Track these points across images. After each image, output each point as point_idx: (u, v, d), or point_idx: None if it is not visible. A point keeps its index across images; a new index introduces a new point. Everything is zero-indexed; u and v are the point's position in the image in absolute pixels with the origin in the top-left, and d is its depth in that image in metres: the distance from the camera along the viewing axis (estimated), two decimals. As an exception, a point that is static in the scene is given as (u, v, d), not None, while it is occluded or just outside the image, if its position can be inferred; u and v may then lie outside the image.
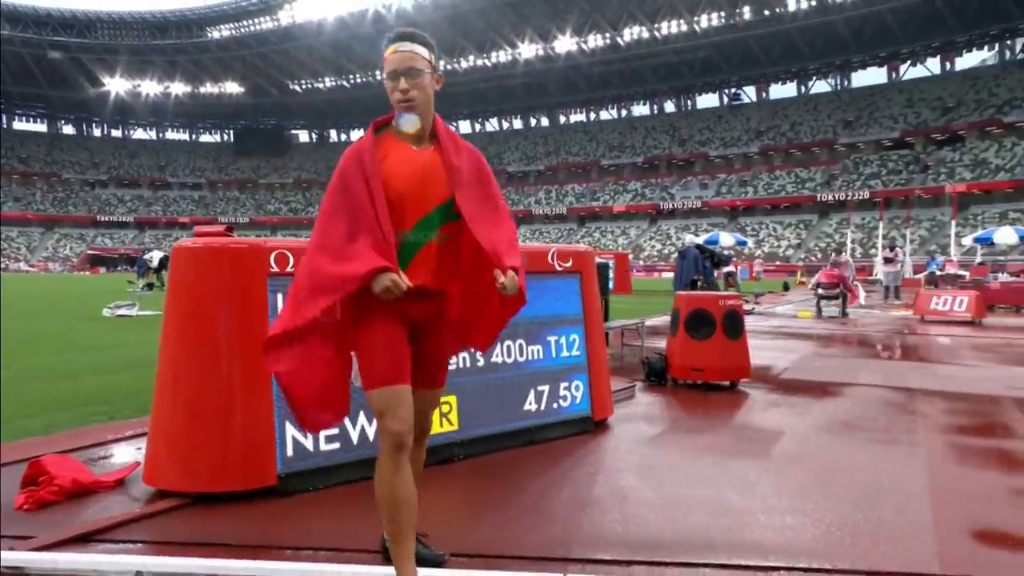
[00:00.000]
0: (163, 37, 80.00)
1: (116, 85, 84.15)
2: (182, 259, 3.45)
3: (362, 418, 3.59)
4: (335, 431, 3.52)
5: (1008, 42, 60.92)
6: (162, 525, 3.02)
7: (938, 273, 23.01)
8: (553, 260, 4.51)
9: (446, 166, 2.23)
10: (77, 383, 6.49)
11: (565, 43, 70.93)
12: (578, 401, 4.47)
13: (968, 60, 64.40)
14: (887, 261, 20.39)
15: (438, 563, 2.46)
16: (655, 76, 74.61)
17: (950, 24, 58.19)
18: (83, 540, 2.85)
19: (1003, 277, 19.01)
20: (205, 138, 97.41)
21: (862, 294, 19.30)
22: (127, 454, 4.06)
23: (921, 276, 24.39)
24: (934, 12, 56.87)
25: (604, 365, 4.75)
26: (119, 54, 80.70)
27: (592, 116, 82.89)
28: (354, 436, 3.56)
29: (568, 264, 4.57)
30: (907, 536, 2.92)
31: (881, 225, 30.72)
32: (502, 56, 75.03)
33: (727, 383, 6.05)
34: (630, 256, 42.48)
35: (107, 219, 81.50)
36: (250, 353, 3.31)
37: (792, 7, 61.28)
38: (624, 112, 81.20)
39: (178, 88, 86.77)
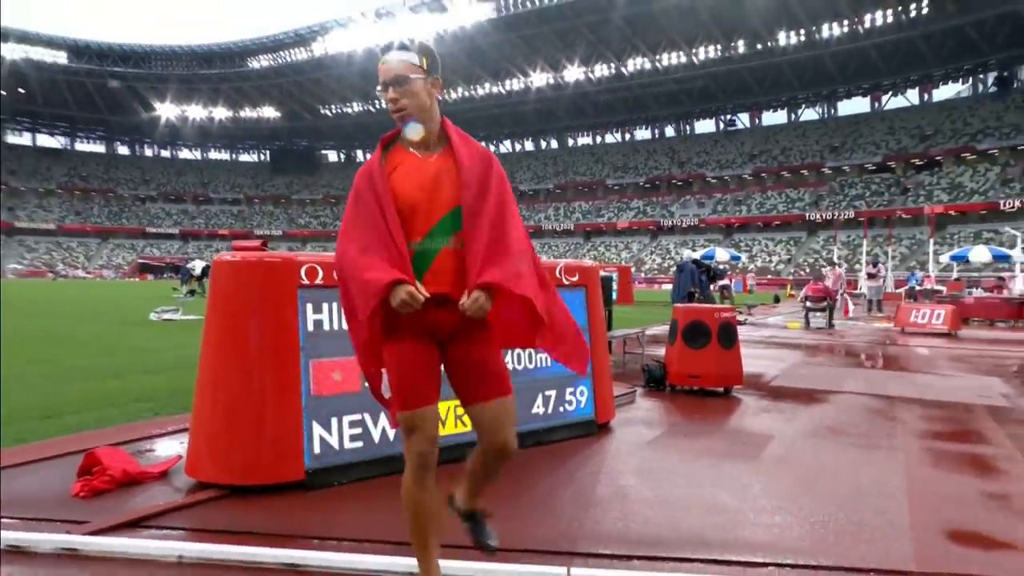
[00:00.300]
0: (209, 67, 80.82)
1: (166, 110, 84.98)
2: (222, 271, 3.48)
3: (383, 419, 3.57)
4: (358, 431, 3.51)
5: (980, 76, 60.52)
6: (201, 514, 3.03)
7: (917, 288, 22.80)
8: (561, 275, 4.49)
9: (457, 169, 2.02)
10: (125, 382, 6.51)
11: (573, 72, 70.94)
12: (583, 406, 4.44)
13: (944, 92, 64.05)
14: (870, 276, 20.22)
15: (484, 548, 2.19)
16: (656, 103, 74.46)
17: (928, 59, 57.92)
18: (132, 526, 2.88)
19: (977, 292, 18.80)
20: (244, 157, 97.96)
21: (851, 306, 19.15)
22: (171, 448, 4.08)
23: (902, 290, 24.18)
24: (913, 48, 56.65)
25: (607, 372, 4.73)
26: (170, 82, 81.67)
27: (598, 139, 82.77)
28: (375, 435, 3.55)
29: (575, 278, 4.56)
30: (886, 535, 2.89)
31: (865, 242, 30.46)
32: (515, 84, 75.15)
33: (721, 389, 5.99)
34: (632, 269, 42.35)
35: (155, 231, 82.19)
36: (282, 357, 3.37)
37: (783, 42, 61.09)
38: (627, 136, 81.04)
39: (220, 112, 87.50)
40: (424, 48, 2.09)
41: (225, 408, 3.33)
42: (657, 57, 66.97)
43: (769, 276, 52.71)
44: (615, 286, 13.01)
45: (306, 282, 3.44)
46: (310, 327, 3.42)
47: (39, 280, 57.33)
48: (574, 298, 4.50)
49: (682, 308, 6.33)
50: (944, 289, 21.11)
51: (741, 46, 63.06)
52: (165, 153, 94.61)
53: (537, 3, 62.78)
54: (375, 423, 3.55)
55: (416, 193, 1.98)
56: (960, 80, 62.28)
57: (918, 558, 2.64)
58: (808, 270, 50.65)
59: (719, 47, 63.74)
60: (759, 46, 62.34)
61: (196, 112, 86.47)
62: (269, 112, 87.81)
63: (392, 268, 1.88)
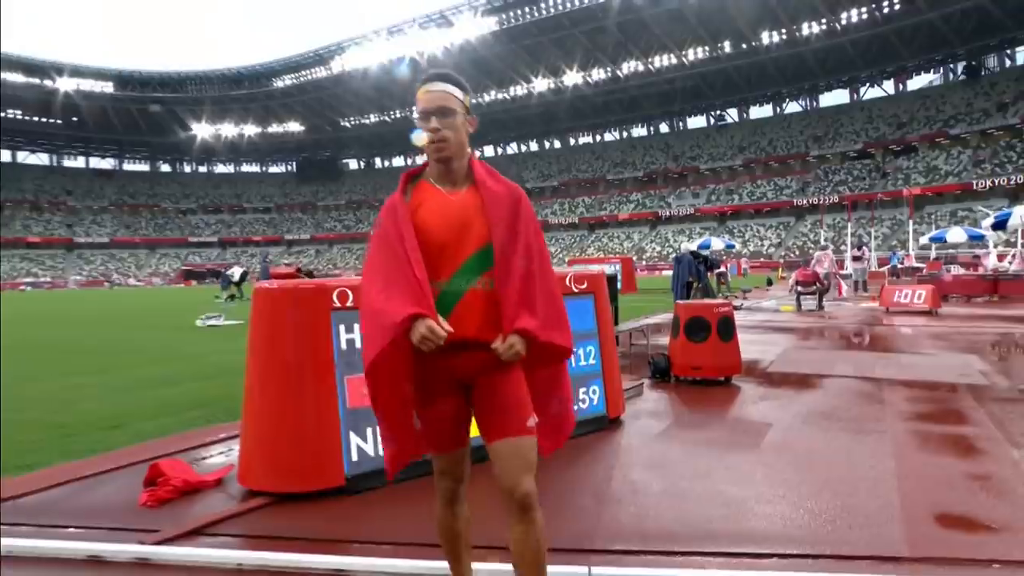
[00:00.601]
0: (238, 88, 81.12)
1: (202, 129, 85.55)
2: (261, 298, 3.48)
3: None
4: None
5: (951, 65, 59.81)
6: (254, 521, 3.04)
7: (899, 266, 22.60)
8: (571, 283, 4.46)
9: (485, 207, 1.79)
10: (179, 389, 6.48)
11: (572, 77, 70.46)
12: (595, 403, 4.43)
13: (918, 81, 63.23)
14: (855, 259, 20.04)
15: None
16: (650, 102, 73.78)
17: (901, 51, 57.06)
18: (194, 534, 2.89)
19: (955, 270, 18.57)
20: (273, 169, 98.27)
21: (844, 287, 18.93)
22: (223, 456, 4.07)
23: (885, 269, 23.95)
24: (887, 42, 55.84)
25: (616, 371, 4.70)
26: (204, 104, 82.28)
27: (597, 138, 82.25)
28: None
29: (584, 286, 4.53)
30: (878, 521, 2.84)
31: (849, 225, 30.16)
32: (519, 90, 74.75)
33: (722, 378, 5.95)
34: (634, 259, 42.14)
35: (196, 240, 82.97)
36: (319, 374, 3.38)
37: (766, 41, 60.34)
38: (625, 134, 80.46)
39: (250, 129, 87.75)
40: (464, 84, 1.89)
41: (270, 422, 3.36)
42: (649, 60, 66.39)
43: (761, 259, 52.39)
44: (619, 279, 13.01)
45: (338, 305, 3.44)
46: (343, 345, 3.43)
47: (97, 289, 58.16)
48: (583, 305, 4.49)
49: (684, 305, 6.29)
50: (924, 266, 20.90)
51: (727, 46, 62.43)
52: (202, 169, 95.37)
53: (536, 15, 62.32)
54: None
55: (442, 231, 1.76)
56: (932, 70, 61.49)
57: (909, 543, 2.60)
58: (797, 252, 50.30)
59: (707, 48, 63.11)
60: (744, 46, 61.70)
61: (228, 130, 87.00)
62: (294, 126, 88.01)
63: (411, 303, 1.67)
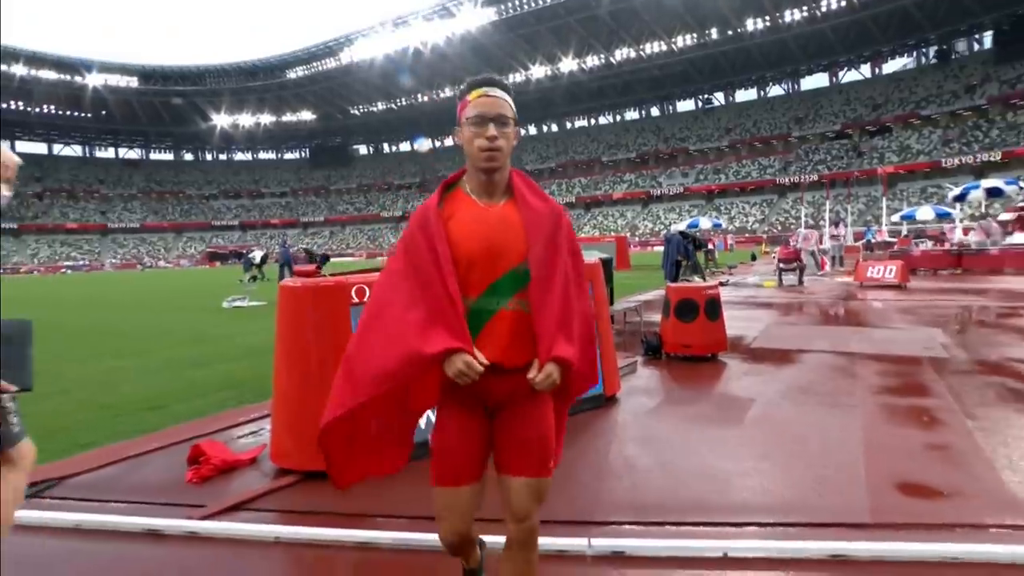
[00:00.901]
0: (253, 80, 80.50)
1: (221, 120, 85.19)
2: (286, 295, 3.51)
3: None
4: None
5: (923, 50, 59.16)
6: (286, 497, 3.09)
7: (873, 240, 22.55)
8: None
9: (523, 223, 1.57)
10: (209, 371, 6.43)
11: (568, 64, 69.56)
12: (594, 384, 4.47)
13: (892, 65, 62.67)
14: (833, 237, 20.00)
15: None
16: (642, 87, 72.90)
17: (877, 36, 56.39)
18: (235, 509, 2.94)
19: (924, 246, 18.58)
20: (288, 156, 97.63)
21: (827, 262, 18.88)
22: (255, 436, 4.09)
23: (860, 243, 23.88)
24: (864, 27, 55.19)
25: (612, 352, 4.74)
26: (222, 96, 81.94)
27: (592, 121, 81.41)
28: (421, 421, 3.52)
29: None
30: (846, 490, 2.88)
31: (828, 202, 29.94)
32: (517, 77, 73.74)
33: (709, 355, 6.00)
34: (628, 236, 42.04)
35: (219, 223, 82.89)
36: (337, 361, 3.45)
37: (750, 28, 59.50)
38: (618, 117, 79.61)
39: (266, 118, 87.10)
40: (512, 93, 1.67)
41: (298, 407, 3.40)
42: (641, 47, 65.44)
43: (746, 234, 52.22)
44: (614, 258, 13.04)
45: (356, 300, 3.47)
46: None
47: (130, 271, 58.30)
48: None
49: (675, 287, 6.33)
50: (896, 241, 20.86)
51: (714, 33, 61.56)
52: (222, 156, 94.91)
53: (533, 5, 61.32)
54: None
55: (474, 245, 1.54)
56: (906, 54, 60.93)
57: (872, 510, 2.65)
58: (780, 228, 50.14)
59: (695, 35, 62.27)
60: (730, 32, 60.78)
61: (245, 119, 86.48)
62: (307, 115, 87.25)
63: (446, 332, 1.46)
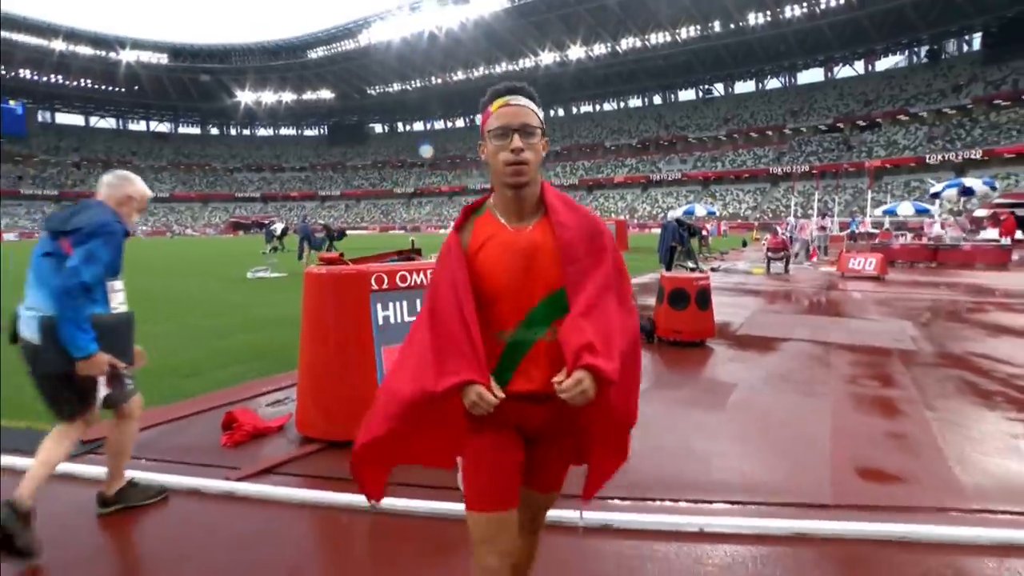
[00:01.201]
0: (276, 59, 79.51)
1: (245, 96, 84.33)
2: (312, 281, 3.56)
3: None
4: None
5: (915, 49, 57.77)
6: (312, 463, 3.18)
7: (857, 231, 22.48)
8: None
9: (558, 245, 1.37)
10: (236, 340, 6.36)
11: (576, 51, 68.25)
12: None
13: (885, 63, 61.07)
14: (820, 228, 19.95)
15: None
16: (646, 75, 71.66)
17: (871, 34, 55.13)
18: (266, 472, 3.05)
19: (903, 240, 18.52)
20: (308, 132, 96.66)
21: (818, 251, 18.78)
22: (281, 405, 4.15)
23: (845, 233, 23.81)
24: (860, 25, 53.89)
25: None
26: (247, 74, 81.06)
27: (597, 107, 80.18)
28: None
29: None
30: (812, 473, 2.95)
31: (817, 192, 29.73)
32: (527, 63, 72.64)
33: (698, 341, 6.06)
34: (627, 219, 41.82)
35: (242, 195, 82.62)
36: (361, 344, 3.47)
37: (751, 22, 58.17)
38: (622, 104, 78.36)
39: (287, 96, 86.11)
40: (538, 100, 1.47)
41: (321, 379, 3.49)
42: (646, 37, 64.17)
43: (739, 220, 51.89)
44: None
45: (375, 287, 3.53)
46: (380, 321, 3.54)
47: (160, 238, 58.34)
48: None
49: (668, 277, 6.38)
50: (878, 233, 20.80)
51: (717, 26, 60.21)
52: (246, 132, 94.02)
53: (544, -7, 60.12)
54: None
55: (507, 275, 1.38)
56: (898, 52, 59.46)
57: (834, 493, 2.74)
58: (771, 215, 49.81)
59: (698, 27, 60.99)
60: (732, 26, 59.46)
61: (268, 97, 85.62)
62: (325, 94, 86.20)
63: (459, 364, 1.32)
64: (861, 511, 2.60)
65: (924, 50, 56.86)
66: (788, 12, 55.74)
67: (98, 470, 3.04)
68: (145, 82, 78.81)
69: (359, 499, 2.62)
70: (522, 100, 1.42)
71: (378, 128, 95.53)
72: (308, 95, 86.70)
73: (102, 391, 2.48)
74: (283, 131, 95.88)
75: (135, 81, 78.50)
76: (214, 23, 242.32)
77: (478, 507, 1.41)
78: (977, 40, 52.77)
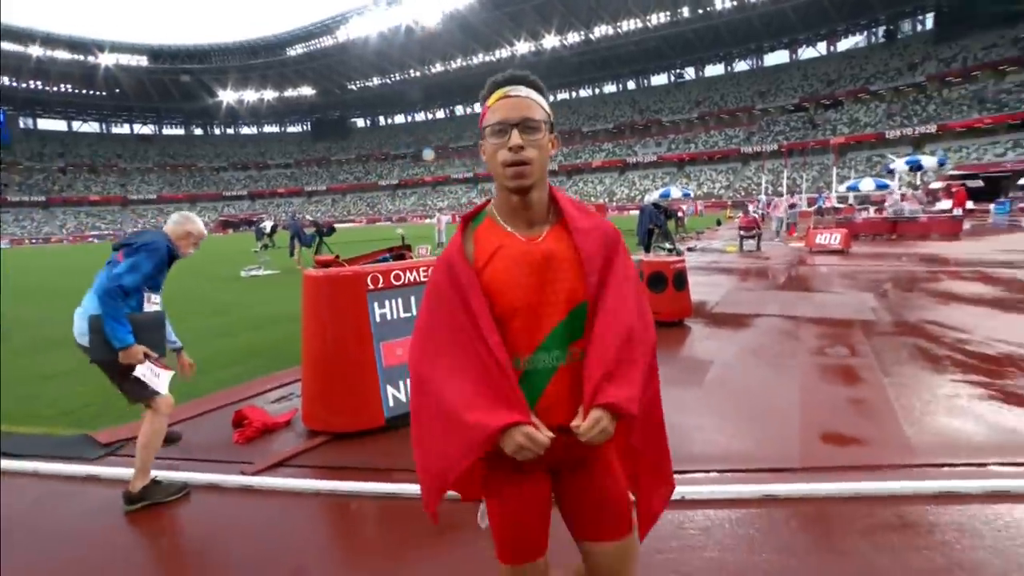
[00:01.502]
0: (255, 58, 77.85)
1: (227, 96, 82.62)
2: (311, 283, 3.61)
3: None
4: None
5: (873, 29, 58.45)
6: (320, 455, 3.25)
7: (823, 206, 22.85)
8: None
9: (577, 256, 1.18)
10: (237, 340, 6.32)
11: (551, 40, 67.72)
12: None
13: (846, 44, 61.50)
14: (791, 205, 20.23)
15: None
16: (619, 62, 71.39)
17: (833, 16, 55.78)
18: (279, 465, 3.12)
19: (865, 214, 18.86)
20: (291, 129, 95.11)
21: (797, 226, 18.89)
22: (287, 401, 4.20)
23: (812, 208, 24.17)
24: (822, 7, 54.35)
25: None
26: (228, 73, 79.30)
27: (573, 94, 79.69)
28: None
29: None
30: (782, 440, 3.07)
31: (786, 170, 30.05)
32: (503, 53, 71.94)
33: (677, 321, 6.14)
34: (605, 202, 41.89)
35: (230, 194, 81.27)
36: (361, 341, 3.54)
37: (719, 6, 58.17)
38: (597, 90, 78.03)
39: (269, 94, 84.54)
40: (544, 89, 1.26)
41: (324, 376, 3.57)
42: (618, 24, 63.88)
43: (713, 199, 52.26)
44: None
45: (371, 287, 3.60)
46: (378, 319, 3.62)
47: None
48: None
49: (647, 261, 6.45)
50: (843, 207, 21.16)
51: (685, 11, 60.16)
52: (230, 131, 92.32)
53: (517, -16, 59.36)
54: None
55: (520, 292, 1.16)
56: (858, 33, 60.10)
57: (801, 457, 2.89)
58: (743, 193, 50.21)
59: (668, 13, 60.97)
60: (700, 11, 59.45)
61: (250, 95, 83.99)
62: (307, 90, 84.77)
63: (500, 404, 1.11)
64: (824, 472, 2.76)
65: (881, 30, 57.74)
66: (753, -5, 55.89)
67: (119, 471, 3.14)
68: (126, 85, 76.91)
69: (366, 486, 2.82)
70: (523, 90, 1.20)
71: (360, 122, 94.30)
72: (290, 92, 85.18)
73: (162, 378, 2.75)
74: (267, 128, 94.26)
75: (116, 84, 76.64)
76: (191, 24, 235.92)
77: (506, 559, 1.25)
78: (930, 20, 53.55)
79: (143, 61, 75.81)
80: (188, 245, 3.00)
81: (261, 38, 76.63)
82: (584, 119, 73.68)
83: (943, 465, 2.82)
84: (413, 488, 2.74)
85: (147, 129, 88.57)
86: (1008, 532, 2.27)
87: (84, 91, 77.55)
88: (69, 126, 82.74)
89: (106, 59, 72.20)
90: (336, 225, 18.17)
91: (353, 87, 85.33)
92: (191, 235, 3.01)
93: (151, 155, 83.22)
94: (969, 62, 46.53)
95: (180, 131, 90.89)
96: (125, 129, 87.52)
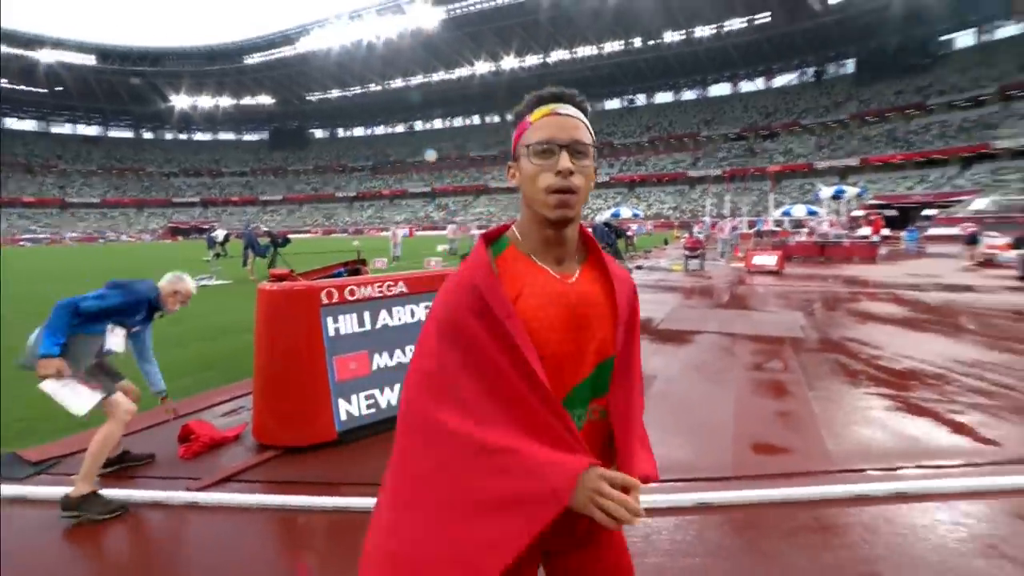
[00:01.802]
0: (213, 63, 75.35)
1: (180, 100, 79.44)
2: (264, 297, 3.54)
3: (387, 391, 3.72)
4: (371, 401, 3.63)
5: (805, 69, 62.70)
6: (269, 469, 3.16)
7: (762, 229, 24.00)
8: None
9: (611, 301, 1.01)
10: (188, 351, 6.11)
11: (510, 62, 68.78)
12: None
13: (781, 80, 65.21)
14: (733, 228, 21.08)
15: None
16: (574, 86, 70.29)
17: (769, 55, 59.87)
18: (226, 481, 3.01)
19: (798, 238, 19.90)
20: (247, 137, 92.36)
21: (740, 248, 19.56)
22: (237, 415, 4.08)
23: (752, 231, 25.30)
24: (760, 47, 58.18)
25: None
26: (182, 78, 76.23)
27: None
28: (383, 403, 3.71)
29: None
30: (717, 450, 3.21)
31: (728, 194, 31.42)
32: (463, 72, 72.57)
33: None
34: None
35: (180, 200, 77.88)
36: (313, 355, 3.49)
37: (668, 40, 61.11)
38: (552, 113, 79.87)
39: (225, 101, 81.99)
40: (588, 114, 1.06)
41: (276, 390, 3.50)
42: (574, 50, 65.62)
43: (662, 220, 53.94)
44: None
45: (326, 301, 3.55)
46: (331, 333, 3.57)
47: (92, 245, 53.53)
48: None
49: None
50: (779, 230, 22.25)
51: (637, 42, 62.65)
52: (183, 136, 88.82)
53: (480, 6, 60.17)
54: (382, 395, 3.73)
55: (556, 338, 0.96)
56: (792, 72, 64.37)
57: (733, 466, 3.03)
58: (689, 215, 52.06)
59: (622, 42, 63.25)
60: (651, 42, 62.06)
61: (205, 101, 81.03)
62: (265, 99, 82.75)
63: (561, 448, 0.89)
64: (754, 480, 2.90)
65: (812, 71, 62.14)
66: (699, 32, 58.97)
67: (50, 491, 2.97)
68: (70, 83, 72.44)
69: (316, 500, 2.76)
70: (572, 110, 1.02)
71: (319, 133, 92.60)
72: (247, 100, 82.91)
73: (82, 398, 2.68)
74: (222, 136, 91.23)
75: (58, 81, 71.98)
76: (148, 27, 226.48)
77: None
78: (852, 64, 58.18)
79: (90, 60, 71.73)
80: (175, 302, 3.17)
81: (219, 44, 74.41)
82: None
83: (857, 471, 3.03)
84: (363, 502, 2.72)
85: (92, 130, 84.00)
86: (904, 531, 2.47)
87: (21, 87, 72.49)
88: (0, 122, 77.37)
89: (48, 56, 67.94)
90: (291, 236, 17.75)
91: (312, 98, 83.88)
92: (179, 293, 3.18)
93: (95, 157, 78.85)
94: (883, 104, 50.98)
95: (129, 134, 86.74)
96: (67, 128, 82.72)
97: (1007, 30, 46.26)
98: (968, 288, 10.55)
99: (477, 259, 0.99)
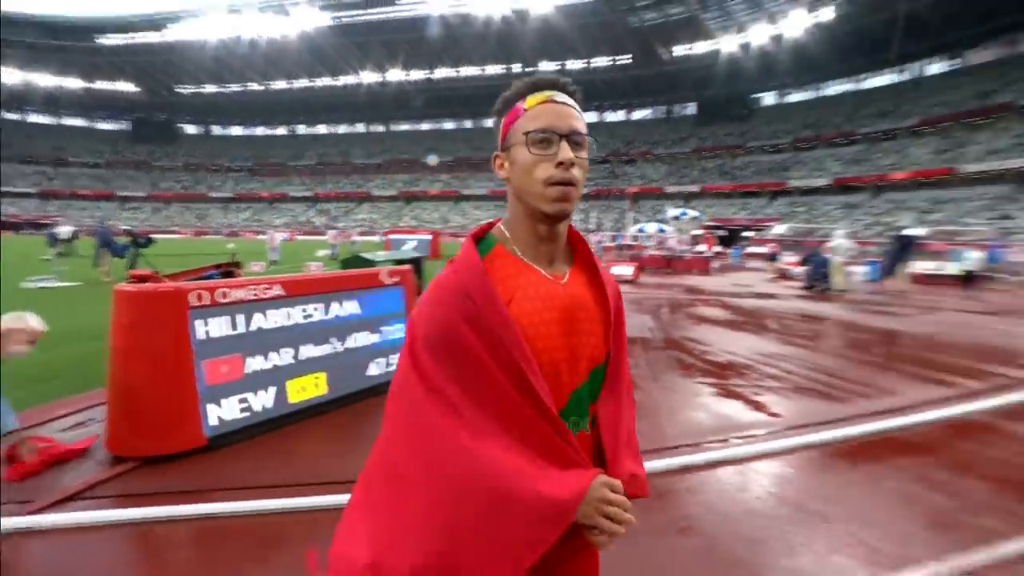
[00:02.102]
0: (54, 38, 64.13)
1: (9, 75, 66.46)
2: (123, 299, 3.21)
3: (262, 394, 3.57)
4: (245, 405, 3.46)
5: (657, 107, 68.71)
6: (125, 482, 2.87)
7: (622, 243, 26.03)
8: (384, 277, 4.48)
9: (604, 303, 0.95)
10: (20, 361, 5.29)
11: (396, 74, 67.60)
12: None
13: (639, 114, 70.73)
14: (598, 241, 22.61)
15: None
16: (458, 102, 73.51)
17: (629, 92, 65.16)
18: (70, 499, 2.69)
19: (651, 252, 21.94)
20: (103, 125, 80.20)
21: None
22: (87, 426, 3.66)
23: (613, 244, 27.33)
24: (621, 84, 62.79)
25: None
26: (13, 48, 63.62)
27: (415, 127, 80.00)
28: (256, 407, 3.56)
29: (396, 279, 4.61)
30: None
31: (594, 212, 33.78)
32: (349, 79, 69.80)
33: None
34: (440, 230, 42.39)
35: (9, 189, 65.07)
36: (179, 359, 3.25)
37: (543, 68, 63.82)
38: (437, 125, 79.52)
39: (73, 83, 70.32)
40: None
41: (135, 396, 3.19)
42: (458, 69, 66.21)
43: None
44: (427, 254, 13.28)
45: (195, 304, 3.31)
46: (200, 336, 3.34)
47: None
48: (395, 293, 4.60)
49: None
50: (637, 245, 24.33)
51: (517, 67, 64.85)
52: (13, 116, 74.35)
53: (366, 18, 58.40)
54: (256, 397, 3.57)
55: (550, 343, 0.88)
56: (647, 108, 70.89)
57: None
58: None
59: (503, 66, 65.19)
60: (528, 69, 64.51)
61: (45, 80, 68.74)
62: (126, 86, 72.43)
63: (561, 461, 0.84)
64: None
65: (664, 109, 69.05)
66: (569, 64, 62.72)
67: None
68: None
69: (179, 510, 2.58)
70: (567, 99, 0.92)
71: (191, 128, 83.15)
72: (103, 84, 71.86)
73: None
74: (68, 121, 78.06)
75: None
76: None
77: None
78: (693, 107, 65.81)
79: None
80: (9, 344, 2.88)
81: (63, 16, 63.62)
82: (424, 151, 74.35)
83: (685, 446, 3.48)
84: (237, 506, 2.57)
85: None
86: (715, 490, 2.90)
87: None
88: None
89: None
90: (156, 236, 15.77)
91: (184, 91, 75.15)
92: (12, 332, 2.88)
93: None
94: (717, 143, 58.53)
95: (-61, 110, 70.97)
96: None
97: (796, 96, 57.63)
98: (772, 296, 12.33)
99: (466, 261, 0.88)
